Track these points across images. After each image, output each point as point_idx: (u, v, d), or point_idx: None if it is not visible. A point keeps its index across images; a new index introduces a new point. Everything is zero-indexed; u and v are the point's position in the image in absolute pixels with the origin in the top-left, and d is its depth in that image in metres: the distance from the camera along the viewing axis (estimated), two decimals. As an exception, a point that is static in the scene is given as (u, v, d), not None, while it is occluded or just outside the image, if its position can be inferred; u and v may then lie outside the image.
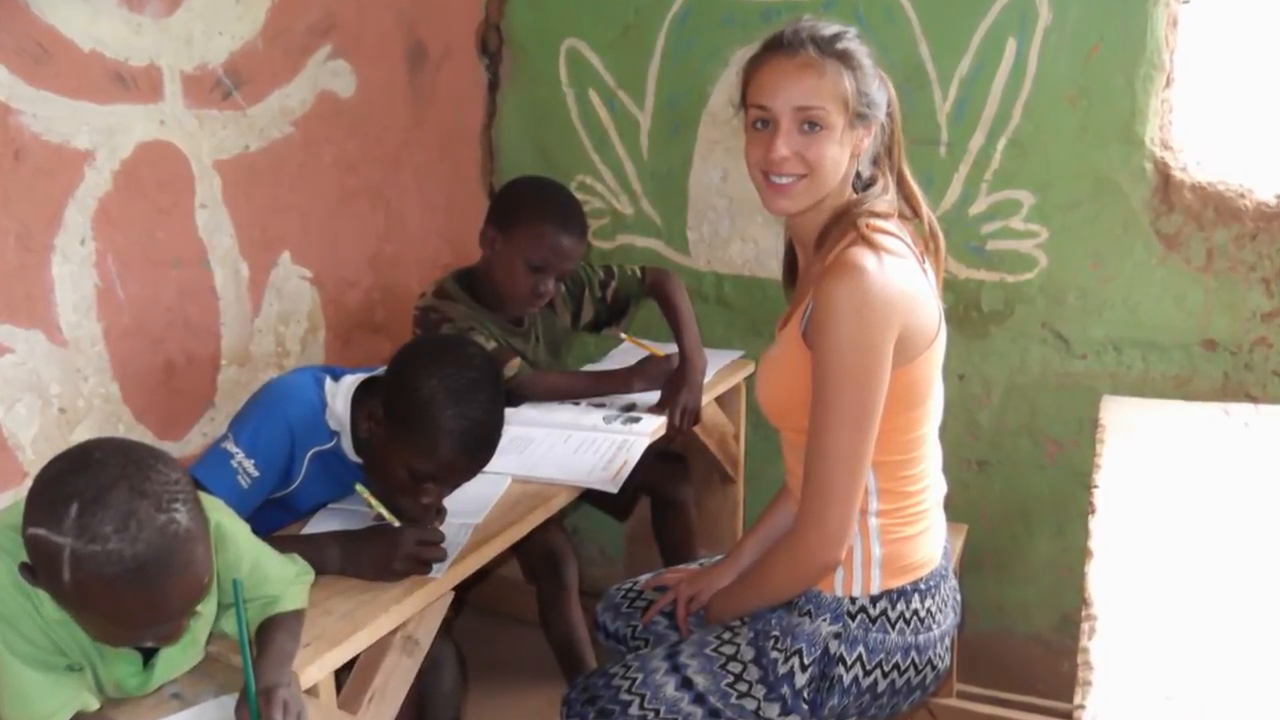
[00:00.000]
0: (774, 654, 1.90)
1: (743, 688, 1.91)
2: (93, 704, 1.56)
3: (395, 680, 1.95)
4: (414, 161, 3.21)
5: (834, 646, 1.87)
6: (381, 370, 2.12)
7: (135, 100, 2.34)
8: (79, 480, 1.37)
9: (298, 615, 1.76)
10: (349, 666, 1.88)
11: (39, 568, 1.39)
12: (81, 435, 2.28)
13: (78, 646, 1.53)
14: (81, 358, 2.29)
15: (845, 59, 1.81)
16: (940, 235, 1.98)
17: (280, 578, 1.76)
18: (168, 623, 1.46)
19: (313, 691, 1.71)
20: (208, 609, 1.64)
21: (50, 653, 1.51)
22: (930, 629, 1.91)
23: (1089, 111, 2.74)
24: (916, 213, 1.95)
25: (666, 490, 3.12)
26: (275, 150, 2.71)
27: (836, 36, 1.82)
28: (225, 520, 1.69)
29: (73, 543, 1.34)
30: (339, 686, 1.86)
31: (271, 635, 1.69)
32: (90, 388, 2.31)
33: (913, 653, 1.89)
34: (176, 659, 1.65)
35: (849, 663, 1.87)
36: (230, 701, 1.61)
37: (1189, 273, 2.75)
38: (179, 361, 2.52)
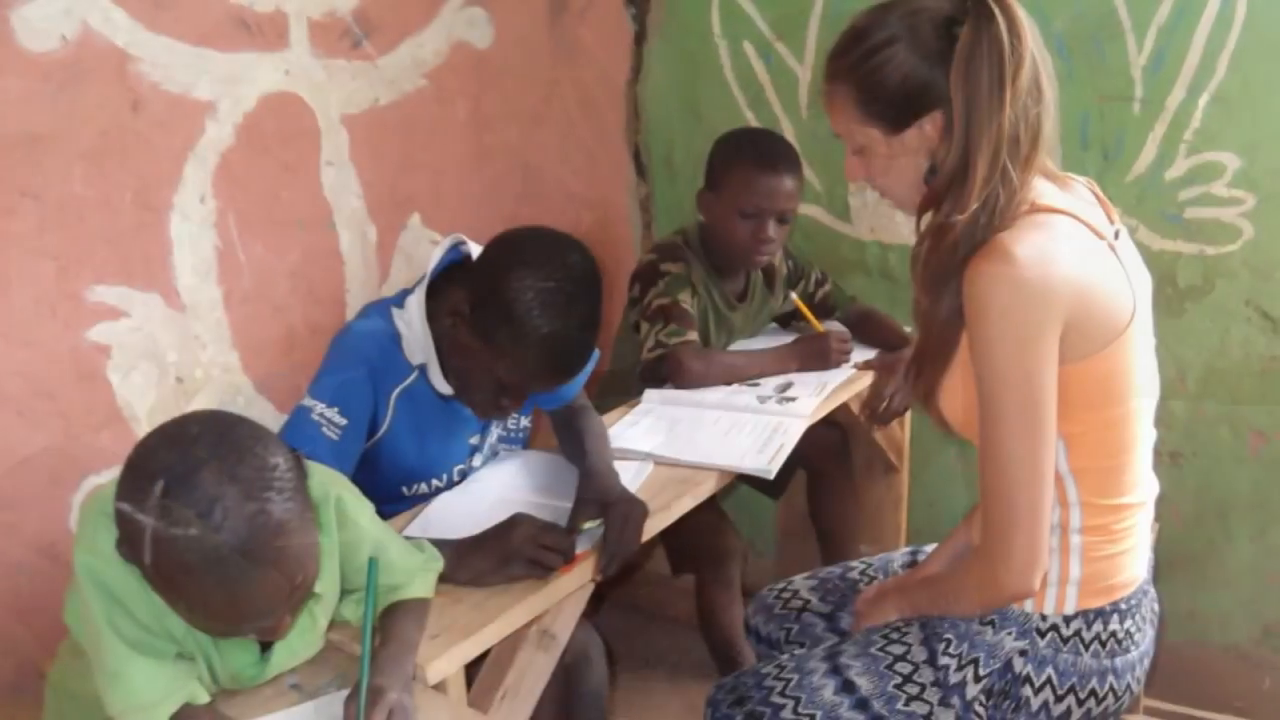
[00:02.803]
0: (945, 659, 1.83)
1: (913, 690, 1.83)
2: (202, 696, 1.54)
3: (529, 677, 1.92)
4: (554, 118, 3.19)
5: (1019, 664, 1.78)
6: (432, 268, 2.09)
7: (259, 48, 2.34)
8: (169, 456, 1.35)
9: (423, 604, 1.73)
10: (479, 661, 1.85)
11: (125, 544, 1.37)
12: (199, 407, 2.28)
13: (190, 634, 1.51)
14: (200, 324, 2.29)
15: (848, 73, 1.76)
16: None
17: (405, 566, 1.73)
18: (255, 620, 1.42)
19: (441, 687, 1.68)
20: (329, 593, 1.62)
21: (161, 638, 1.49)
22: (1128, 651, 1.81)
23: (1305, 64, 2.61)
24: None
25: (824, 464, 3.11)
26: (406, 104, 2.70)
27: (839, 50, 1.78)
28: (348, 496, 1.66)
29: (155, 523, 1.32)
30: (469, 682, 1.83)
31: (395, 624, 1.66)
32: (209, 356, 2.32)
33: (1110, 678, 1.80)
34: (296, 647, 1.62)
35: (1037, 684, 1.78)
36: (351, 695, 1.58)
37: None
38: (301, 330, 2.52)
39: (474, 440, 2.24)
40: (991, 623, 1.81)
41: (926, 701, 1.83)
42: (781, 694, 1.89)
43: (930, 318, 1.76)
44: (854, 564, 2.25)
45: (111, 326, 2.16)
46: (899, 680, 1.85)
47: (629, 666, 3.15)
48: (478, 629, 1.73)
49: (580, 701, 2.27)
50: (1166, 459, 2.97)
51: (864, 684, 1.86)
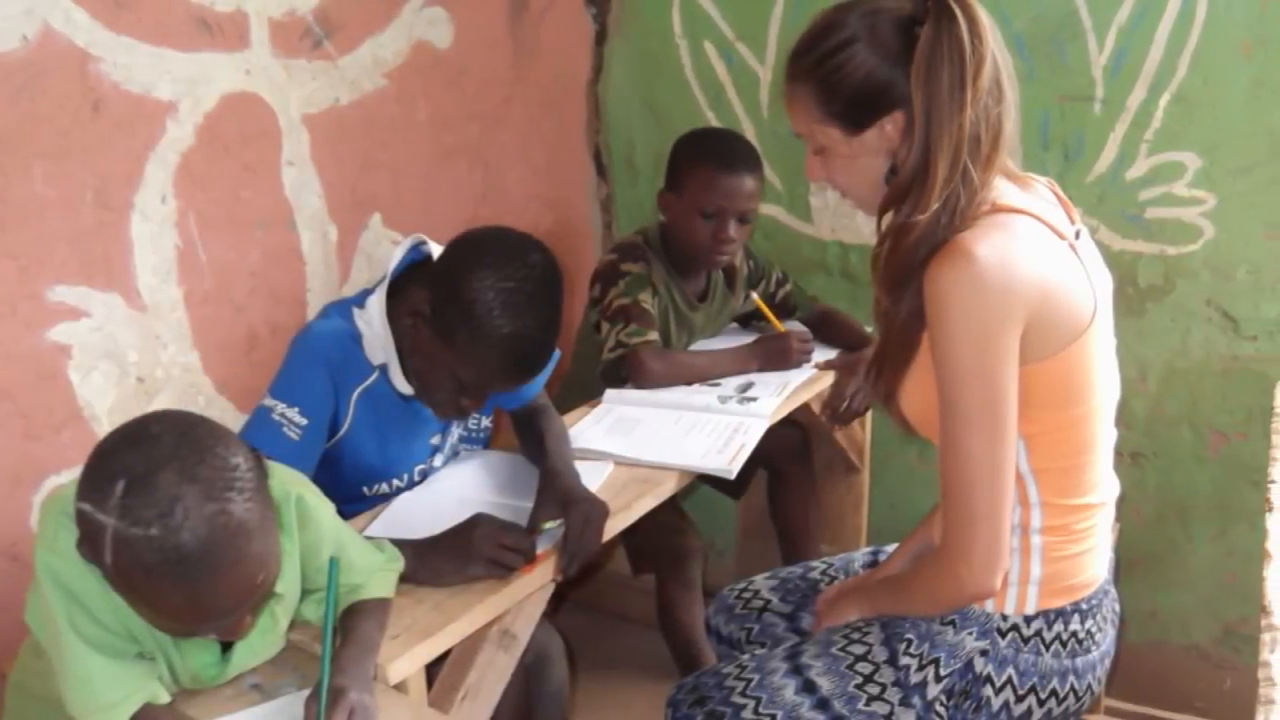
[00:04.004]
0: (906, 659, 1.84)
1: (874, 690, 1.84)
2: (163, 696, 1.55)
3: (490, 677, 1.93)
4: (515, 118, 3.19)
5: (980, 664, 1.79)
6: (393, 267, 2.10)
7: (220, 48, 2.34)
8: (130, 456, 1.34)
9: (384, 604, 1.74)
10: (440, 661, 1.86)
11: (85, 544, 1.37)
12: (160, 407, 2.28)
13: (150, 634, 1.51)
14: (160, 324, 2.30)
15: (808, 73, 1.76)
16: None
17: (366, 566, 1.73)
18: (216, 620, 1.42)
19: (401, 687, 1.68)
20: (290, 593, 1.62)
21: (122, 638, 1.50)
22: (1089, 650, 1.82)
23: (1266, 63, 2.63)
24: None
25: (785, 464, 3.12)
26: (367, 104, 2.70)
27: (799, 51, 1.78)
28: (309, 495, 1.66)
29: (115, 524, 1.31)
30: (430, 682, 1.84)
31: (355, 623, 1.66)
32: (169, 356, 2.32)
33: (1070, 677, 1.81)
34: (257, 647, 1.63)
35: (998, 684, 1.79)
36: (313, 695, 1.59)
37: (1379, 244, 2.63)
38: (262, 331, 2.52)
39: (435, 440, 2.25)
40: (952, 623, 1.81)
41: (887, 701, 1.83)
42: (742, 694, 1.89)
43: (891, 318, 1.76)
44: (815, 564, 2.25)
45: (72, 326, 2.15)
46: (860, 680, 1.85)
47: (590, 667, 3.14)
48: (438, 629, 1.74)
49: (541, 702, 2.28)
50: (1127, 459, 2.99)
51: (825, 684, 1.86)
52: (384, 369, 2.08)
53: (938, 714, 1.82)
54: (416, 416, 2.16)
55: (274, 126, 2.47)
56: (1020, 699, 1.80)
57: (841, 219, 3.26)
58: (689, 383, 2.70)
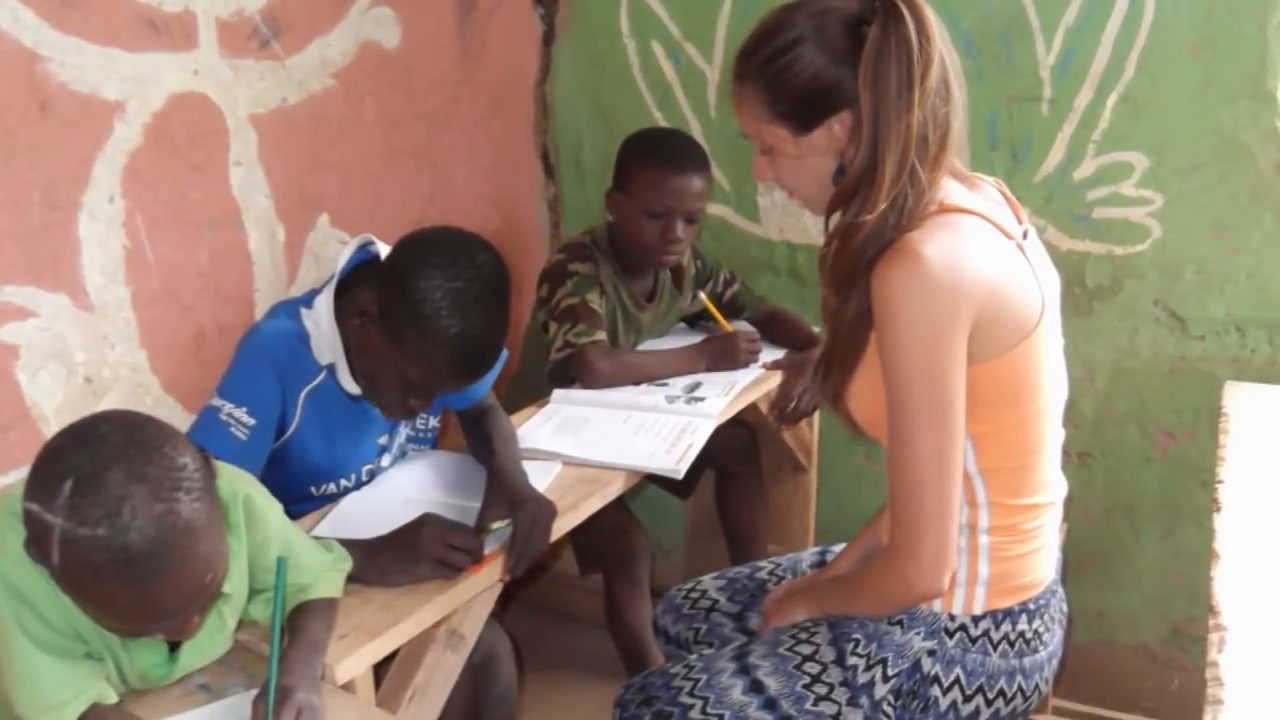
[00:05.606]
0: (853, 659, 1.85)
1: (822, 690, 1.85)
2: (110, 696, 1.55)
3: (438, 677, 1.94)
4: (462, 119, 3.20)
5: (927, 664, 1.81)
6: (341, 267, 2.12)
7: (167, 48, 2.33)
8: (78, 456, 1.35)
9: (331, 604, 1.75)
10: (388, 661, 1.87)
11: (33, 544, 1.38)
12: (107, 407, 2.28)
13: (98, 634, 1.52)
14: (108, 324, 2.29)
15: (756, 73, 1.77)
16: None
17: (314, 565, 1.74)
18: (163, 620, 1.43)
19: (349, 687, 1.69)
20: (238, 593, 1.63)
21: (69, 639, 1.50)
22: (1037, 651, 1.84)
23: (1213, 64, 2.66)
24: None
25: (733, 464, 3.14)
26: (315, 104, 2.70)
27: (747, 50, 1.79)
28: (256, 495, 1.67)
29: (62, 524, 1.32)
30: (377, 682, 1.85)
31: (303, 623, 1.67)
32: (117, 356, 2.32)
33: (1018, 678, 1.83)
34: (204, 647, 1.64)
35: (945, 685, 1.80)
36: (261, 695, 1.61)
37: (1324, 244, 2.66)
38: (210, 330, 2.51)
39: (382, 440, 2.27)
40: (900, 623, 1.82)
41: (835, 701, 1.84)
42: (690, 694, 1.90)
43: (838, 318, 1.77)
44: (762, 564, 2.26)
45: (19, 326, 2.14)
46: (807, 680, 1.86)
47: (537, 666, 3.15)
48: (386, 629, 1.75)
49: (489, 701, 2.29)
50: (1075, 459, 3.01)
51: (772, 684, 1.87)
52: (331, 369, 2.09)
53: (885, 714, 1.83)
54: (364, 416, 2.17)
55: (222, 126, 2.47)
56: (968, 699, 1.81)
57: (789, 219, 3.28)
58: (637, 382, 2.71)
